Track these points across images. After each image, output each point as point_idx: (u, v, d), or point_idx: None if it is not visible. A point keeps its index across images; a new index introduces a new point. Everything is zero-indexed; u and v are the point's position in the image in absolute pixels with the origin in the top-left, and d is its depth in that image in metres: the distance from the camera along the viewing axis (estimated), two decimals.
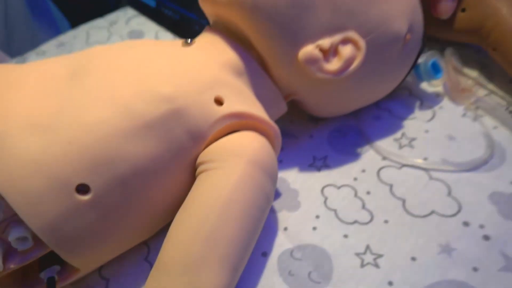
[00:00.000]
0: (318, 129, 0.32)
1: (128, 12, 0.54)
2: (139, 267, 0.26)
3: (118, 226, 0.23)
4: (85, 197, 0.21)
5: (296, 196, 0.28)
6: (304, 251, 0.25)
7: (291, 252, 0.25)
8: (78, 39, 0.50)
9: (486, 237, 0.24)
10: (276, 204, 0.28)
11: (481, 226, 0.25)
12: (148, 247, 0.27)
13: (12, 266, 0.22)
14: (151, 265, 0.27)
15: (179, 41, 0.28)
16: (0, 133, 0.21)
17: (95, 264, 0.24)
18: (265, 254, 0.25)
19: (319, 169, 0.29)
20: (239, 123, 0.25)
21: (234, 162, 0.23)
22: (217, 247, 0.21)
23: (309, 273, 0.24)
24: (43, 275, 0.23)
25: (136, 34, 0.49)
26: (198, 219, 0.22)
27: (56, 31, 0.61)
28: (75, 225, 0.21)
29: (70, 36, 0.51)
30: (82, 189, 0.21)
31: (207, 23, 0.29)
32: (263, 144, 0.24)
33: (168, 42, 0.28)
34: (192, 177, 0.24)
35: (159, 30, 0.49)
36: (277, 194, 0.28)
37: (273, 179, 0.24)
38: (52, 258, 0.23)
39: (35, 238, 0.22)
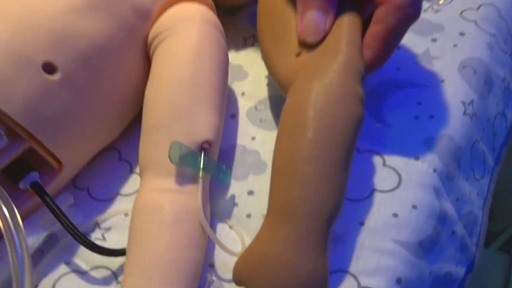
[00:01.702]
0: (237, 17, 0.35)
1: None
2: (116, 167, 0.27)
3: (89, 106, 0.23)
4: (54, 77, 0.21)
5: (242, 68, 0.31)
6: (266, 103, 0.28)
7: (255, 107, 0.28)
8: None
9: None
10: (230, 77, 0.30)
11: None
12: (118, 150, 0.27)
13: None
14: (128, 162, 0.27)
15: None
16: None
17: (75, 158, 0.24)
18: (234, 116, 0.28)
19: (252, 44, 0.32)
20: None
21: (189, 24, 0.25)
22: (200, 92, 0.23)
23: (278, 115, 0.27)
24: (23, 185, 0.22)
25: None
26: (176, 72, 0.23)
27: None
28: (50, 105, 0.21)
29: None
30: (50, 69, 0.21)
31: None
32: (205, 8, 0.26)
33: None
34: (146, 60, 0.26)
35: None
36: None
37: (223, 34, 0.27)
38: (25, 169, 0.22)
39: (9, 134, 0.21)
